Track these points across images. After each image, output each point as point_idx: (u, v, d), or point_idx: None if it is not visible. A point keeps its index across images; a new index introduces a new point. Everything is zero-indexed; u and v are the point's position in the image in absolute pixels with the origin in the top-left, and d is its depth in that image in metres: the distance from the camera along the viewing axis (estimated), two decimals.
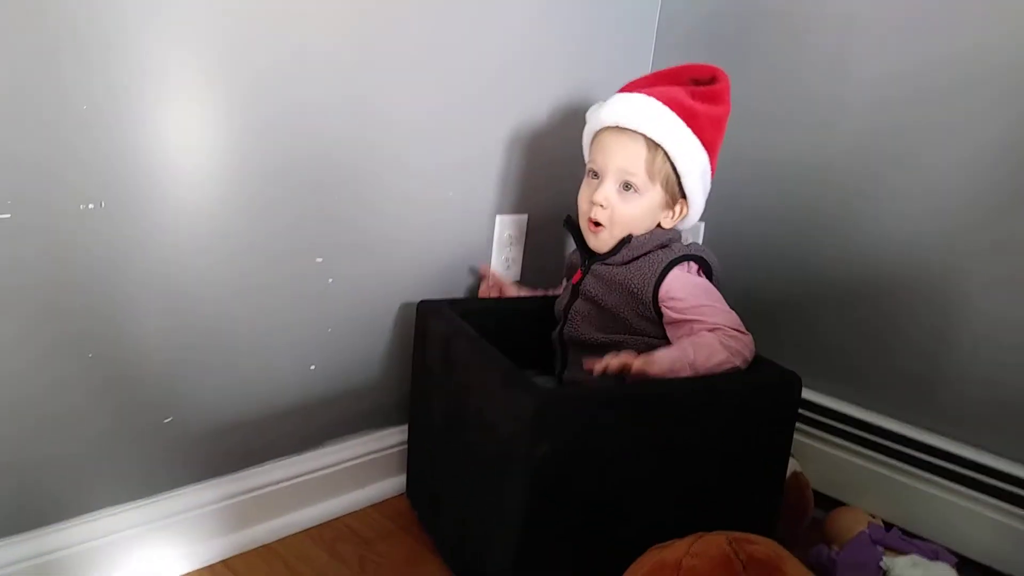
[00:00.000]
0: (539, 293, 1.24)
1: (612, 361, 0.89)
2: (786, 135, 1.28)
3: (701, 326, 0.95)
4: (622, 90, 1.05)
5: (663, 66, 1.06)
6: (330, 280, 1.06)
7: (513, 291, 1.22)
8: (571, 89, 1.31)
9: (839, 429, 1.22)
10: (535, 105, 1.27)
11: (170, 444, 0.95)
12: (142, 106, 0.82)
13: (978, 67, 1.06)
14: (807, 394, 1.20)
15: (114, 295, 0.85)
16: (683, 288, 0.98)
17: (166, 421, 0.94)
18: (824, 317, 1.25)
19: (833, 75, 1.21)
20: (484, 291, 1.22)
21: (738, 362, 0.94)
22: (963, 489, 1.08)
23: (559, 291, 1.17)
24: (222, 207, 0.92)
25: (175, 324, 0.91)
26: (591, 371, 0.90)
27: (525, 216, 1.31)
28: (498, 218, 1.26)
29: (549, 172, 1.27)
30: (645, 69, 1.43)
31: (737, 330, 0.96)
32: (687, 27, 1.39)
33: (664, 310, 0.99)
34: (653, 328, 1.00)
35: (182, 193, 0.88)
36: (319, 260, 1.04)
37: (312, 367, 1.07)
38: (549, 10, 1.23)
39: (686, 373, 0.91)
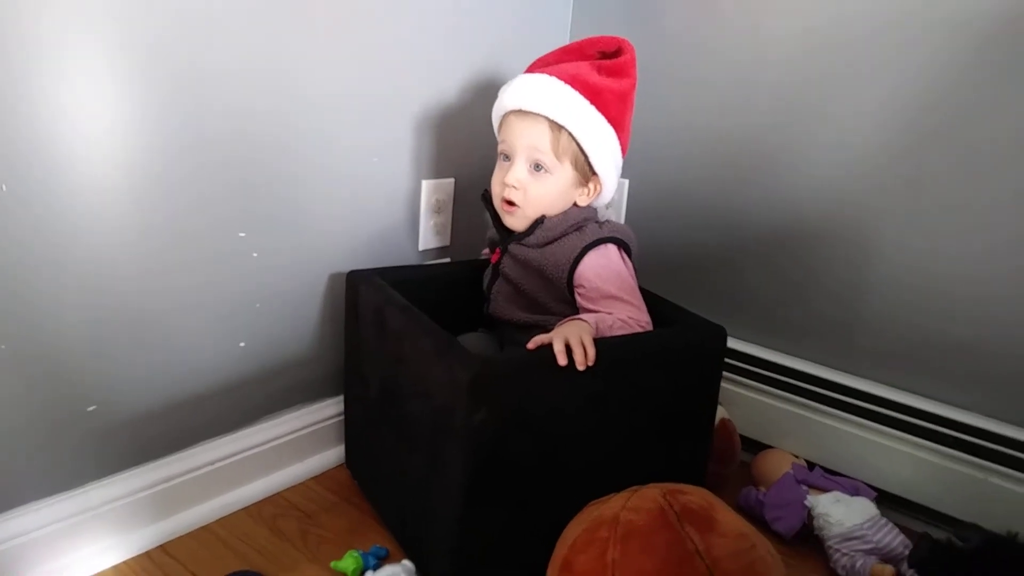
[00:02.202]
0: None
1: (546, 341, 0.86)
2: (706, 92, 1.29)
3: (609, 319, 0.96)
4: (529, 69, 1.04)
5: (582, 32, 1.05)
6: (255, 254, 1.03)
7: None
8: (493, 52, 1.29)
9: (762, 375, 1.26)
10: (457, 69, 1.24)
11: (96, 432, 0.92)
12: (40, 79, 0.78)
13: (884, 17, 1.09)
14: (731, 342, 1.25)
15: (25, 282, 0.81)
16: (596, 275, 0.99)
17: (90, 409, 0.91)
18: (746, 267, 1.29)
19: (747, 33, 1.23)
20: None
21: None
22: (880, 427, 1.14)
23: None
24: (134, 183, 0.88)
25: (93, 308, 0.88)
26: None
27: (452, 180, 1.29)
28: (424, 183, 1.25)
29: (474, 134, 1.26)
30: (564, 33, 1.42)
31: (639, 324, 0.97)
32: None
33: (576, 296, 1.00)
34: (572, 311, 1.01)
35: (90, 170, 0.84)
36: (242, 235, 1.01)
37: (242, 344, 1.05)
38: None
39: (609, 332, 0.92)
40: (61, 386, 0.88)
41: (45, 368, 0.86)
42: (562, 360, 0.83)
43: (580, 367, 0.83)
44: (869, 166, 1.13)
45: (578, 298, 1.00)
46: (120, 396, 0.93)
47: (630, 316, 0.96)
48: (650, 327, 0.98)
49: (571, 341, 0.84)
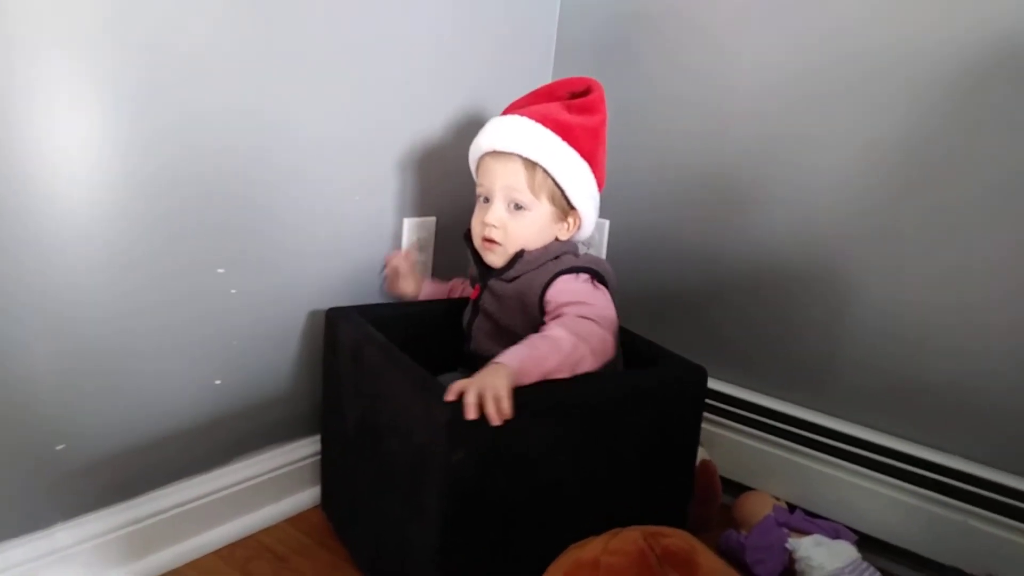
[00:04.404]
0: (446, 287, 1.26)
1: (465, 395, 0.80)
2: (683, 138, 1.32)
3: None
4: (503, 113, 1.07)
5: (564, 73, 1.07)
6: (233, 291, 1.02)
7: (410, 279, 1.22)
8: (475, 93, 1.31)
9: (742, 416, 1.26)
10: (440, 108, 1.26)
11: (65, 472, 0.90)
12: (17, 115, 0.78)
13: (861, 71, 1.12)
14: (712, 383, 1.24)
15: None
16: (559, 292, 0.98)
17: (58, 448, 0.88)
18: (725, 310, 1.30)
19: (720, 86, 1.27)
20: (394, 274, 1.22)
21: (584, 350, 0.90)
22: (860, 469, 1.14)
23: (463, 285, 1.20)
24: (111, 219, 0.87)
25: (64, 345, 0.86)
26: None
27: (433, 218, 1.30)
28: (406, 221, 1.25)
29: (455, 173, 1.26)
30: (546, 75, 1.45)
31: (595, 321, 0.94)
32: (584, 41, 1.43)
33: (544, 318, 0.98)
34: None
35: (67, 205, 0.83)
36: (220, 271, 1.00)
37: (217, 382, 1.04)
38: (456, 14, 1.23)
39: (539, 368, 0.88)
40: (29, 424, 0.86)
41: (12, 405, 0.84)
42: (470, 414, 0.78)
43: (493, 423, 0.79)
44: (843, 217, 1.16)
45: (545, 319, 0.98)
46: (90, 434, 0.91)
47: (580, 314, 0.93)
48: (605, 330, 0.95)
49: (485, 395, 0.79)
